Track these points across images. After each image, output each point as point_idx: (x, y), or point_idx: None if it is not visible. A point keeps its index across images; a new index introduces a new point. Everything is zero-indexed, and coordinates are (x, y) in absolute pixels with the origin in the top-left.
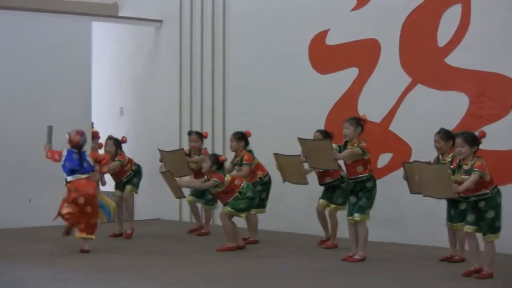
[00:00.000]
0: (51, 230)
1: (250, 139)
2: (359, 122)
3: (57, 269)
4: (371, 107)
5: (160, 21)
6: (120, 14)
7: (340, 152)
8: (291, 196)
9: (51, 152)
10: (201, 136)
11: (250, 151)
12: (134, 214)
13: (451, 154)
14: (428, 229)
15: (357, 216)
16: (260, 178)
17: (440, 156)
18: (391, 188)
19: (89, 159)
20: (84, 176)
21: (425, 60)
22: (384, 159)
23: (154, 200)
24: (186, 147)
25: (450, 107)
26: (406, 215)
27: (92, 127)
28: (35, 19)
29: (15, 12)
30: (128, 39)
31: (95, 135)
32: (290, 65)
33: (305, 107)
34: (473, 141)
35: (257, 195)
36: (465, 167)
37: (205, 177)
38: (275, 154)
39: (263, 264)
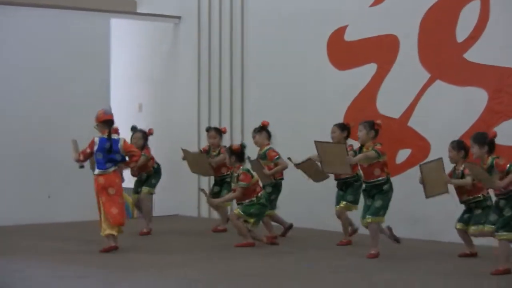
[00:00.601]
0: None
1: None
2: (373, 126)
3: (77, 266)
4: (389, 103)
5: (179, 17)
6: (138, 11)
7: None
8: (310, 192)
9: (83, 153)
10: (219, 132)
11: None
12: (151, 213)
13: (464, 164)
14: (447, 225)
15: (369, 218)
16: (276, 180)
17: (455, 166)
18: (409, 184)
19: (121, 148)
20: (112, 168)
21: (444, 56)
22: (402, 155)
23: (173, 196)
24: (205, 144)
25: (468, 103)
26: (425, 211)
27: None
28: (54, 15)
29: (34, 9)
30: (147, 36)
31: (115, 132)
32: (309, 61)
33: (323, 103)
34: (483, 140)
35: (268, 204)
36: (484, 167)
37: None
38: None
39: (284, 260)
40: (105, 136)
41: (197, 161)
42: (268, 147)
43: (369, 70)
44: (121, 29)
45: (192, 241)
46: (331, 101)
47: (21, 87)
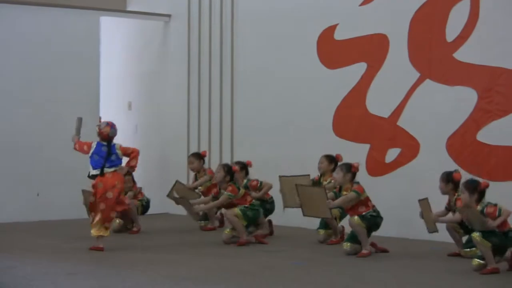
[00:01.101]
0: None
1: (259, 137)
2: (350, 168)
3: (67, 263)
4: (379, 102)
5: (169, 15)
6: (128, 9)
7: (336, 198)
8: None
9: (80, 144)
10: (197, 156)
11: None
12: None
13: (456, 194)
14: (438, 225)
15: (358, 220)
16: (266, 200)
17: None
18: (398, 183)
19: (118, 152)
20: (111, 170)
21: (433, 55)
22: (392, 154)
23: (162, 195)
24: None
25: (458, 102)
26: (414, 210)
27: (100, 121)
28: (43, 13)
29: (24, 6)
30: (137, 34)
31: None
32: (299, 60)
33: (313, 102)
34: (473, 189)
35: (261, 209)
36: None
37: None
38: (285, 178)
39: (273, 258)
40: (104, 143)
41: (183, 190)
42: (246, 180)
43: (359, 69)
44: (111, 27)
45: (182, 239)
46: (321, 100)
47: (10, 85)
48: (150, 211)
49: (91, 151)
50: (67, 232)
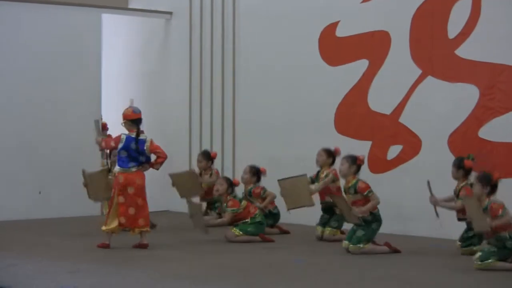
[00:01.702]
0: (61, 222)
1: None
2: (355, 161)
3: (68, 261)
4: (381, 99)
5: (170, 13)
6: (130, 6)
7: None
8: None
9: (106, 141)
10: (207, 156)
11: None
12: None
13: (464, 182)
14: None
15: (351, 247)
16: (269, 210)
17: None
18: (400, 180)
19: (147, 149)
20: (135, 168)
21: (435, 52)
22: (393, 151)
23: (163, 192)
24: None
25: (460, 99)
26: (416, 207)
27: (101, 118)
28: (45, 11)
29: (26, 4)
30: (138, 32)
31: (104, 127)
32: (300, 57)
33: (315, 99)
34: (487, 181)
35: (265, 222)
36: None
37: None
38: (280, 181)
39: (274, 256)
40: (133, 135)
41: (187, 182)
42: (252, 185)
43: (360, 66)
44: (112, 25)
45: (182, 237)
46: (323, 97)
47: (12, 83)
48: (150, 209)
49: (120, 145)
50: (68, 230)
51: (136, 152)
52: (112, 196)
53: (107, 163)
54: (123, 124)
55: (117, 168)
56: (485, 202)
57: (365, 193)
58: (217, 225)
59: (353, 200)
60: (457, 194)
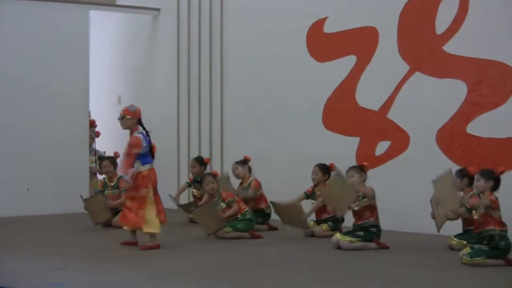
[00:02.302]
0: (50, 219)
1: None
2: (362, 169)
3: (57, 258)
4: (369, 95)
5: (158, 9)
6: (118, 3)
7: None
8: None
9: (131, 156)
10: (200, 161)
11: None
12: None
13: (471, 191)
14: (427, 217)
15: (341, 238)
16: (263, 209)
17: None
18: (388, 176)
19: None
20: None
21: (423, 47)
22: (382, 147)
23: None
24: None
25: (448, 95)
26: (405, 203)
27: (89, 115)
28: (33, 7)
29: (13, 1)
30: (126, 28)
31: (92, 124)
32: (288, 53)
33: (303, 95)
34: (489, 175)
35: (255, 219)
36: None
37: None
38: (272, 203)
39: (263, 252)
40: (142, 131)
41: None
42: (251, 178)
43: (348, 62)
44: (100, 21)
45: (173, 234)
46: (311, 93)
47: None
48: None
49: (145, 144)
50: (56, 227)
51: (149, 145)
52: (145, 195)
53: (95, 159)
54: (125, 119)
55: (146, 166)
56: (491, 197)
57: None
58: (229, 216)
59: (363, 206)
60: (465, 204)
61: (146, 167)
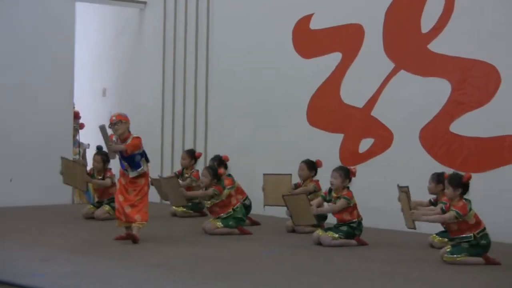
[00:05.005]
0: (33, 210)
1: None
2: (348, 174)
3: (40, 249)
4: (353, 92)
5: (144, 2)
6: None
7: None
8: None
9: (135, 145)
10: (191, 154)
11: (229, 175)
12: None
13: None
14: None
15: (323, 235)
16: (242, 202)
17: (434, 198)
18: (371, 173)
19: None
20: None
21: (408, 46)
22: (365, 144)
23: None
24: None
25: (432, 94)
26: (386, 200)
27: (73, 107)
28: None
29: None
30: (112, 21)
31: (76, 115)
32: (274, 48)
33: (288, 90)
34: (457, 182)
35: (245, 218)
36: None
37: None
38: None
39: (247, 247)
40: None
41: (169, 187)
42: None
43: (333, 59)
44: (86, 13)
45: (157, 226)
46: (296, 89)
47: None
48: None
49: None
50: (39, 218)
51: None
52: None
53: (78, 151)
54: (120, 124)
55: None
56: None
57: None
58: (196, 196)
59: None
60: (440, 207)
61: (147, 165)
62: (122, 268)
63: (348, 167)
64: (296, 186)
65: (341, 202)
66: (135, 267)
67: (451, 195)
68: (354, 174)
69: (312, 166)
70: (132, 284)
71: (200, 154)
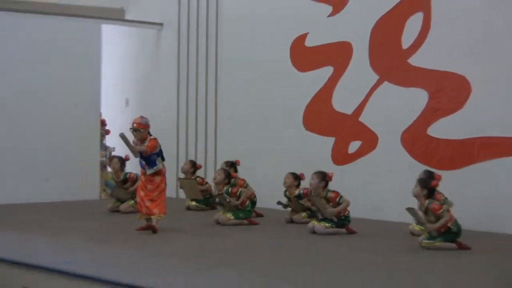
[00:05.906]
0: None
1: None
2: (324, 177)
3: (70, 237)
4: (343, 101)
5: (161, 24)
6: (126, 18)
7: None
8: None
9: (152, 146)
10: (193, 164)
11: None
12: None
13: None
14: (392, 206)
15: (317, 225)
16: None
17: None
18: (359, 171)
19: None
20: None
21: (391, 60)
22: (354, 146)
23: None
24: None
25: (412, 102)
26: (373, 194)
27: (100, 115)
28: (50, 22)
29: (31, 15)
30: (133, 41)
31: (103, 123)
32: (275, 63)
33: (286, 101)
34: (424, 184)
35: (252, 210)
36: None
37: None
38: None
39: (248, 237)
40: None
41: (191, 187)
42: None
43: (326, 72)
44: (109, 34)
45: (168, 219)
46: (293, 99)
47: (17, 87)
48: None
49: (158, 149)
50: (71, 212)
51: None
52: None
53: (105, 154)
54: (138, 132)
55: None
56: (425, 203)
57: (337, 200)
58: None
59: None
60: (424, 211)
61: (163, 163)
62: (136, 258)
63: (326, 172)
64: (303, 192)
65: (346, 203)
66: (150, 255)
67: (416, 193)
68: (330, 179)
69: (296, 177)
70: (147, 272)
71: (200, 166)
